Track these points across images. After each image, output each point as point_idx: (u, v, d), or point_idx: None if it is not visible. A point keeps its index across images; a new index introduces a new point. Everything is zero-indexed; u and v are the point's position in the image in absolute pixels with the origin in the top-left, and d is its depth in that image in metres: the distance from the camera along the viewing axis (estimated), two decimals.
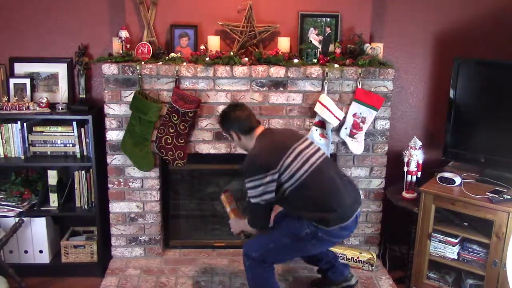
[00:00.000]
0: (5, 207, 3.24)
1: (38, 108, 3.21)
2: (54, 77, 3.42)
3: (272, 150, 2.63)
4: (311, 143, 2.75)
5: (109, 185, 3.31)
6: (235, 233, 2.94)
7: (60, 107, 3.25)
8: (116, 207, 3.34)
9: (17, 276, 3.12)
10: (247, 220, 2.75)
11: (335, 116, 3.15)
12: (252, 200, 2.62)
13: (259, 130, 2.75)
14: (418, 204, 3.05)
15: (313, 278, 3.18)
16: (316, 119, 3.22)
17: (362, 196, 3.39)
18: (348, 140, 3.26)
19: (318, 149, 2.73)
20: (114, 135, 3.23)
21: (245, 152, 2.82)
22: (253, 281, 2.75)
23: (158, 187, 3.33)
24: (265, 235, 2.75)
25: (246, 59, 3.14)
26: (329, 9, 3.31)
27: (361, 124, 3.24)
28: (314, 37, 3.28)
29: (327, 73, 3.15)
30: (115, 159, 3.26)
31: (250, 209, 2.69)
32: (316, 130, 3.22)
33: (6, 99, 3.24)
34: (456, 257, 3.00)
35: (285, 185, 2.58)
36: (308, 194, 2.60)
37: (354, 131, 3.26)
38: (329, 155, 3.23)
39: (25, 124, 3.24)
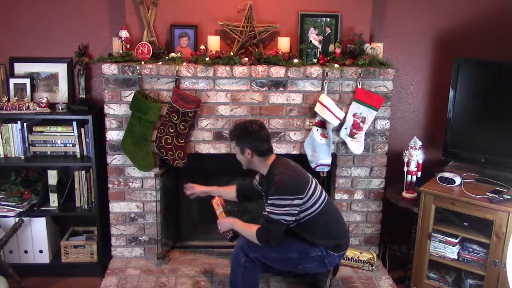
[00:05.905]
0: (5, 207, 3.24)
1: (38, 108, 3.21)
2: (54, 77, 3.42)
3: (301, 177, 2.77)
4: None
5: (109, 185, 3.31)
6: (223, 231, 2.96)
7: (60, 107, 3.25)
8: (116, 207, 3.34)
9: (17, 276, 3.13)
10: (256, 232, 2.70)
11: (335, 116, 3.15)
12: (273, 217, 2.67)
13: (273, 156, 2.83)
14: (418, 204, 3.05)
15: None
16: (317, 119, 3.22)
17: (362, 196, 3.42)
18: (348, 140, 3.26)
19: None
20: (114, 135, 3.22)
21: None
22: (244, 278, 2.78)
23: (158, 187, 3.33)
24: None
25: (246, 59, 3.14)
26: (329, 9, 3.31)
27: (361, 124, 3.24)
28: (314, 37, 3.28)
29: (327, 73, 3.15)
30: (115, 159, 3.26)
31: (266, 224, 2.69)
32: (317, 130, 3.22)
33: (6, 99, 3.24)
34: (456, 257, 3.00)
35: (305, 212, 2.74)
36: (325, 221, 2.82)
37: (354, 131, 3.26)
38: (331, 155, 3.25)
39: (25, 124, 3.24)
